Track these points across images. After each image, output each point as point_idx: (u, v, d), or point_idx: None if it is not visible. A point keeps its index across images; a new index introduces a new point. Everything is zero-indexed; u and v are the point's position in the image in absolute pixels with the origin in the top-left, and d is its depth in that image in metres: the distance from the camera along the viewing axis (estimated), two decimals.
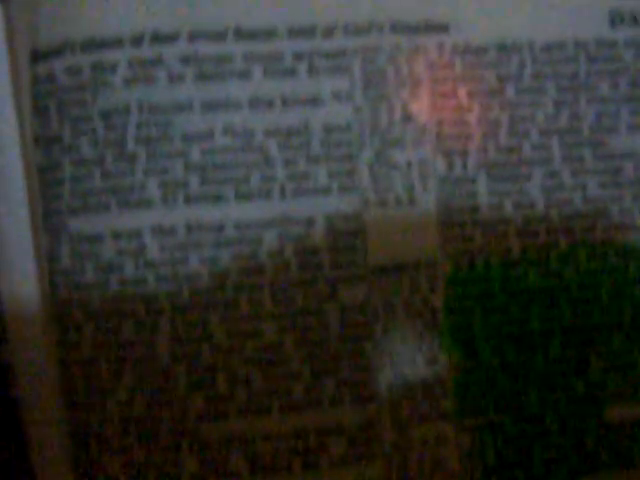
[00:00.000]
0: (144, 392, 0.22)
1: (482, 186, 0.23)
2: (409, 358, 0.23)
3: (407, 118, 0.23)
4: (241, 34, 0.22)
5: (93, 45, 0.22)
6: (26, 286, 0.24)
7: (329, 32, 0.23)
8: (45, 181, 0.23)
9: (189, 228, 0.22)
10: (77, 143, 0.22)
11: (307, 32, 0.22)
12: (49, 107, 0.23)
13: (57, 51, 0.22)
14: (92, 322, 0.22)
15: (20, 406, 0.24)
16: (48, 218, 0.23)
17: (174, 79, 0.22)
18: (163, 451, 0.22)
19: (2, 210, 0.23)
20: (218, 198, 0.22)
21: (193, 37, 0.22)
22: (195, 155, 0.22)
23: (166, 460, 0.22)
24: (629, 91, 0.24)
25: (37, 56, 0.23)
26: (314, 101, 0.22)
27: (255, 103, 0.22)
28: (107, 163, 0.22)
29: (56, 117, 0.22)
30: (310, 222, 0.22)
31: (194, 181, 0.22)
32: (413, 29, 0.23)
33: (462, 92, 0.23)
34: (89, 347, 0.22)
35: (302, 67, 0.22)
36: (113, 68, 0.22)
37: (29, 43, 0.23)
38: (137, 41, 0.22)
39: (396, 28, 0.23)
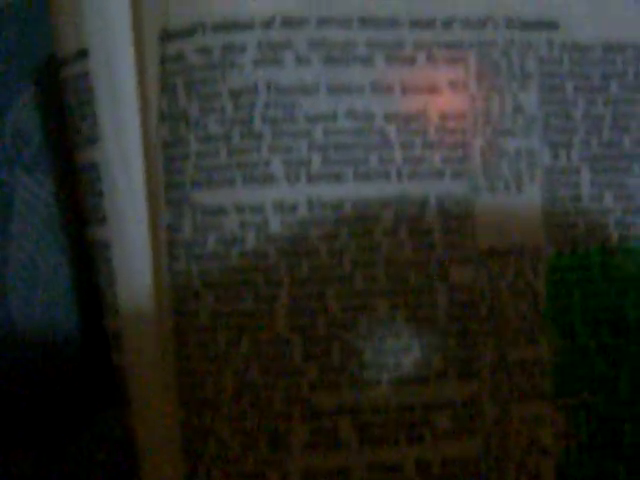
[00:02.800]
0: (260, 361, 0.23)
1: (585, 177, 0.24)
2: (511, 338, 0.24)
3: (517, 109, 0.24)
4: (366, 22, 0.23)
5: (225, 27, 0.23)
6: (140, 257, 0.24)
7: (448, 24, 0.24)
8: (169, 156, 0.24)
9: (310, 205, 0.23)
10: (204, 120, 0.23)
11: (427, 23, 0.24)
12: (177, 85, 0.24)
13: (188, 32, 0.23)
14: (211, 291, 0.23)
15: (127, 371, 0.25)
16: (170, 191, 0.24)
17: (301, 62, 0.23)
18: (275, 418, 0.23)
19: (121, 183, 0.25)
20: (338, 177, 0.23)
21: (321, 23, 0.23)
22: (318, 135, 0.23)
23: (278, 428, 0.23)
24: None
25: (167, 36, 0.24)
26: (432, 89, 0.24)
27: (376, 88, 0.23)
28: (234, 140, 0.23)
29: (184, 94, 0.23)
30: (424, 203, 0.23)
31: (316, 160, 0.23)
32: (526, 25, 0.24)
33: (569, 87, 0.24)
34: (207, 315, 0.23)
35: (422, 56, 0.24)
36: (243, 49, 0.23)
37: (159, 23, 0.24)
38: (267, 24, 0.23)
39: (510, 24, 0.24)
